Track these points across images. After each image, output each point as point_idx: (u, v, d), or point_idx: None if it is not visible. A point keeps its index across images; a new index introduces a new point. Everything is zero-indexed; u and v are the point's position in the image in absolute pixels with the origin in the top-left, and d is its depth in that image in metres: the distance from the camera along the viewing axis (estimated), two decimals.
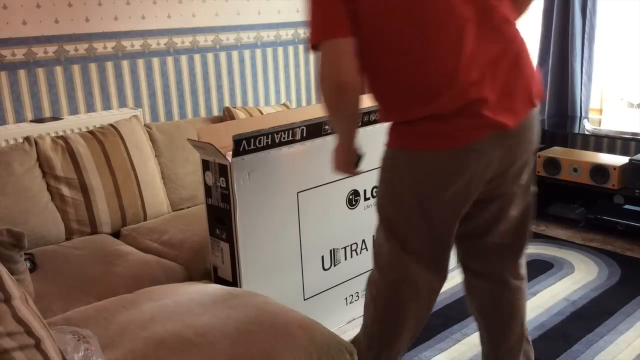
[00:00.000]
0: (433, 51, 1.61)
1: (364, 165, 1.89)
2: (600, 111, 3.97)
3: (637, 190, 3.27)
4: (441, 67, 1.61)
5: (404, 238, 1.78)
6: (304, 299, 2.44)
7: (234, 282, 2.24)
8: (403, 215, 1.76)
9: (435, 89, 1.61)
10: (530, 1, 1.84)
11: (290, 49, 4.01)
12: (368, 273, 2.68)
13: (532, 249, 3.13)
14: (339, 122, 1.78)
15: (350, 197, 2.53)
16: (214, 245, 2.30)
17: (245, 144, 2.13)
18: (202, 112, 3.65)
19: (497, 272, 1.92)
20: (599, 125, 3.76)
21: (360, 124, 1.77)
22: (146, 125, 3.06)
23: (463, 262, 1.97)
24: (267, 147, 2.20)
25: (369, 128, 2.52)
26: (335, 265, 2.53)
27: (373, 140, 2.55)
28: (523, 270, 1.94)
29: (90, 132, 2.85)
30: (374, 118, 2.51)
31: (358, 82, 1.68)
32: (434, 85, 1.61)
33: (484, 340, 2.06)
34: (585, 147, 3.78)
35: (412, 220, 1.75)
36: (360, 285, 2.64)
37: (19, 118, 3.00)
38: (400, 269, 1.80)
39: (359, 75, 1.66)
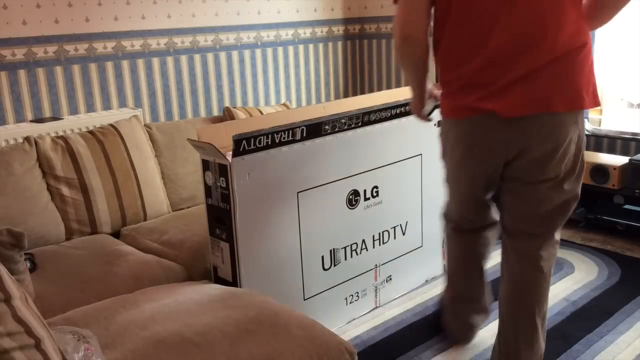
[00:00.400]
0: (467, 34, 1.83)
1: (433, 116, 2.19)
2: (600, 111, 3.97)
3: (637, 190, 3.27)
4: (466, 50, 1.84)
5: (447, 190, 2.16)
6: (304, 299, 2.44)
7: (234, 282, 2.24)
8: (445, 168, 2.11)
9: (458, 63, 1.87)
10: (610, 12, 1.90)
11: (290, 49, 4.01)
12: (369, 272, 2.70)
13: None
14: (406, 71, 2.04)
15: (350, 197, 2.53)
16: (214, 245, 2.30)
17: (245, 144, 2.13)
18: (202, 112, 3.65)
19: (516, 257, 2.04)
20: (599, 125, 3.76)
21: (425, 77, 2.02)
22: (146, 125, 3.06)
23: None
24: (267, 147, 2.20)
25: (369, 128, 2.52)
26: (335, 265, 2.53)
27: (373, 140, 2.56)
28: (543, 263, 2.00)
29: (90, 132, 2.86)
30: (374, 118, 2.51)
31: (422, 37, 1.86)
32: (460, 60, 1.86)
33: (498, 328, 2.13)
34: (585, 147, 3.77)
35: (448, 173, 2.10)
36: (360, 285, 2.64)
37: (19, 118, 3.00)
38: (446, 212, 2.26)
39: (424, 31, 1.86)
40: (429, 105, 2.10)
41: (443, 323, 2.43)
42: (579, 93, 1.81)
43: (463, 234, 2.22)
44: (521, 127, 1.82)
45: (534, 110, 1.79)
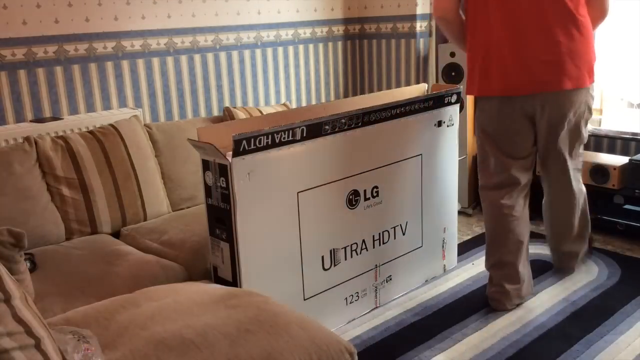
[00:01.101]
0: (479, 27, 2.48)
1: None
2: (600, 111, 3.97)
3: (637, 190, 3.27)
4: (478, 40, 2.50)
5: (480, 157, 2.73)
6: (304, 299, 2.44)
7: (234, 282, 2.24)
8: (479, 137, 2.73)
9: (474, 50, 2.53)
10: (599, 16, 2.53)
11: (290, 49, 4.01)
12: (369, 272, 2.70)
13: (532, 249, 3.12)
14: (453, 43, 2.84)
15: (350, 197, 2.53)
16: (214, 245, 2.30)
17: (245, 144, 2.13)
18: (202, 112, 3.65)
19: (550, 170, 2.73)
20: (599, 125, 3.76)
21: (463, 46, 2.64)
22: (146, 125, 3.06)
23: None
24: (267, 147, 2.20)
25: (369, 128, 2.52)
26: (335, 265, 2.53)
27: (373, 140, 2.56)
28: (571, 172, 2.71)
29: (90, 132, 2.86)
30: (374, 118, 2.51)
31: (451, 17, 2.54)
32: (474, 47, 2.53)
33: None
34: (586, 147, 3.76)
35: (479, 142, 2.71)
36: (360, 285, 2.64)
37: (19, 118, 3.00)
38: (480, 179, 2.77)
39: (454, 13, 2.52)
40: None
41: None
42: (571, 74, 2.39)
43: (494, 197, 2.67)
44: (526, 101, 2.47)
45: (532, 91, 2.43)
